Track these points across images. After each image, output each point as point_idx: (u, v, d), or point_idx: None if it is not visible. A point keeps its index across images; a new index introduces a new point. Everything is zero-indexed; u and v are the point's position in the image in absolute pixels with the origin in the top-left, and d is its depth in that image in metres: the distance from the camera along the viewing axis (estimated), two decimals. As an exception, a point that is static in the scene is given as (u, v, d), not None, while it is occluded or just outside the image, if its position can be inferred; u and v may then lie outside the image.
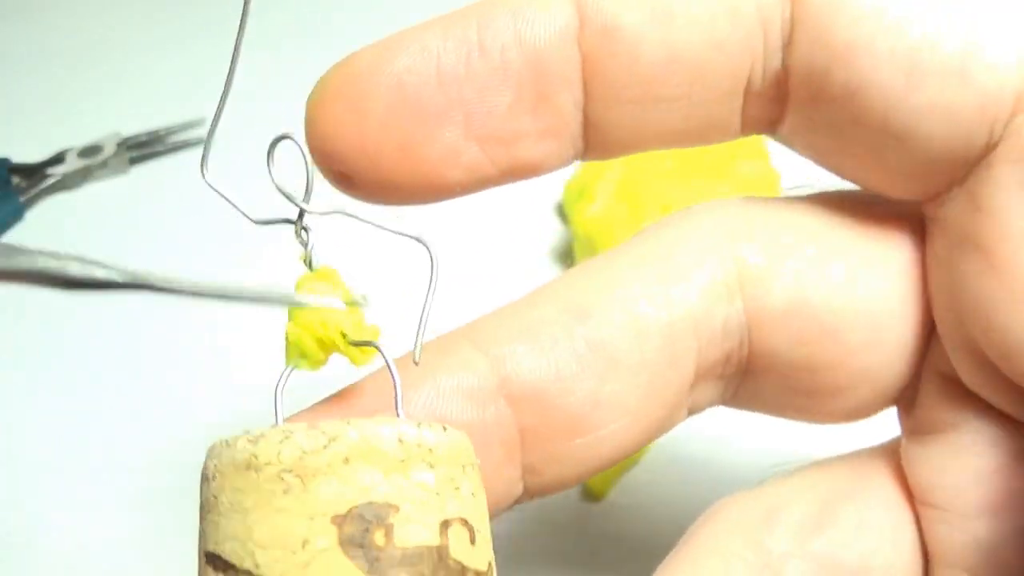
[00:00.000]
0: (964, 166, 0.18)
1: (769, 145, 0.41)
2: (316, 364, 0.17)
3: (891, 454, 0.21)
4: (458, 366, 0.19)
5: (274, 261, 0.41)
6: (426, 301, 0.18)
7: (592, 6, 0.18)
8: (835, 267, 0.20)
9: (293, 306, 0.17)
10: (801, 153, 0.20)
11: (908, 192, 0.19)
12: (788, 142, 0.20)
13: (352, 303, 0.17)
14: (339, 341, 0.17)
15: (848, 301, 0.20)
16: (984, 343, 0.18)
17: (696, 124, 0.19)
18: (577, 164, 0.44)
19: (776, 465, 0.29)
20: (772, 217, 0.21)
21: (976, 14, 0.17)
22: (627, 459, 0.32)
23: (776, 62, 0.18)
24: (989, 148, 0.17)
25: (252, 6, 0.18)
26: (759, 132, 0.20)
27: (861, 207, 0.20)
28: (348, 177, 0.18)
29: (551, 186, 0.42)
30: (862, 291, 0.20)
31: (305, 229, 0.18)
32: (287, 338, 0.17)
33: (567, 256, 0.40)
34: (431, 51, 0.18)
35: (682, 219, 0.21)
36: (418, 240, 0.18)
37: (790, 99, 0.19)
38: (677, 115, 0.19)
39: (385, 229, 0.18)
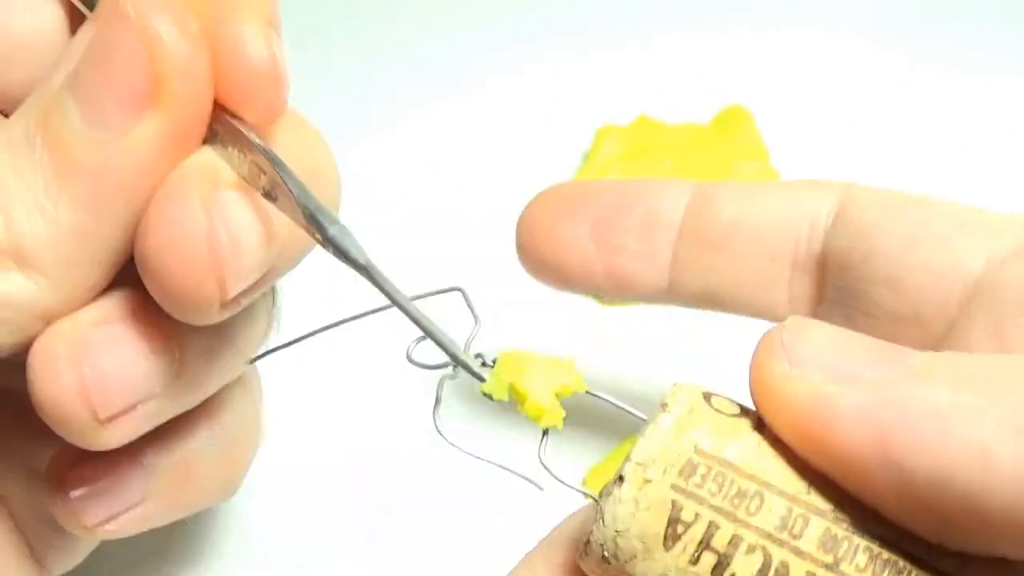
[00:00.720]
0: (945, 322, 0.22)
1: (769, 144, 0.41)
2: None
3: None
4: None
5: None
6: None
7: (703, 191, 0.26)
8: None
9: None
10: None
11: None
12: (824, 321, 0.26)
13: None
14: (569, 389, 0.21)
15: None
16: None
17: (753, 280, 0.26)
18: (577, 164, 0.45)
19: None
20: None
21: (962, 210, 0.24)
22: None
23: (817, 245, 0.25)
24: (964, 301, 0.22)
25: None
26: (804, 309, 0.26)
27: None
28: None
29: (551, 186, 0.42)
30: None
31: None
32: (528, 403, 0.20)
33: (567, 256, 0.40)
34: (601, 191, 0.28)
35: None
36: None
37: (827, 277, 0.25)
38: (739, 266, 0.26)
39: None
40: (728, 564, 0.17)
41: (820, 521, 0.17)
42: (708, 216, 0.26)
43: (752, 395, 0.19)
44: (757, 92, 0.45)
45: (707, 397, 0.19)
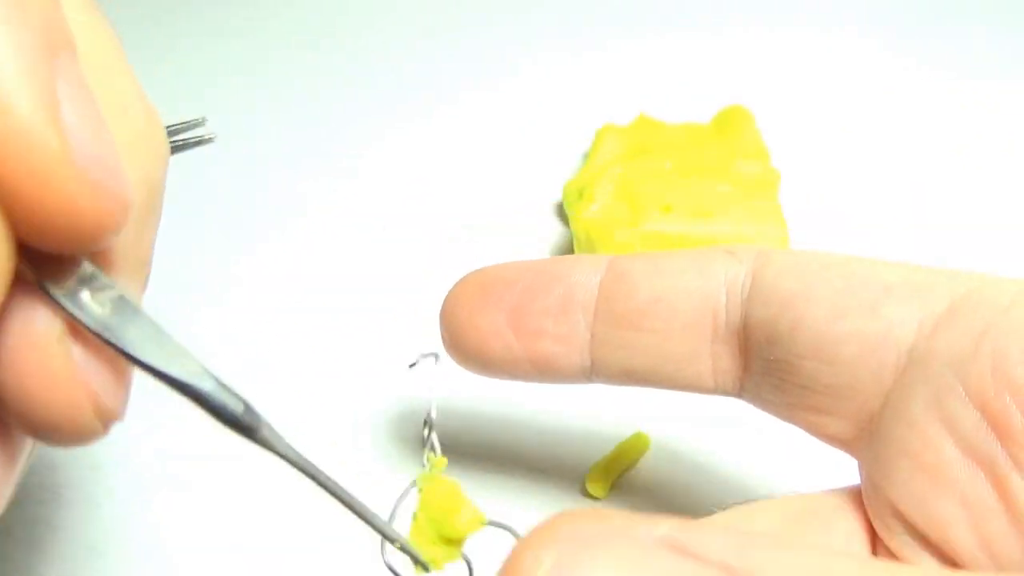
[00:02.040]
0: (881, 393, 0.21)
1: (769, 145, 0.41)
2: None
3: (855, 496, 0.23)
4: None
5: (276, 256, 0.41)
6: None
7: (616, 268, 0.26)
8: None
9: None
10: (762, 404, 0.25)
11: (842, 427, 0.23)
12: (754, 392, 0.25)
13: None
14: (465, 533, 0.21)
15: None
16: (926, 532, 0.20)
17: (674, 356, 0.25)
18: (577, 164, 0.45)
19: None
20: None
21: (887, 271, 0.23)
22: (626, 460, 0.32)
23: (736, 316, 0.24)
24: (899, 370, 0.21)
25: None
26: (728, 387, 0.25)
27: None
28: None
29: (551, 186, 0.42)
30: None
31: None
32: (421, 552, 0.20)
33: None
34: (518, 275, 0.27)
35: None
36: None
37: (751, 349, 0.24)
38: (659, 344, 0.25)
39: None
40: None
41: None
42: (623, 294, 0.25)
43: None
44: (757, 92, 0.45)
45: None
